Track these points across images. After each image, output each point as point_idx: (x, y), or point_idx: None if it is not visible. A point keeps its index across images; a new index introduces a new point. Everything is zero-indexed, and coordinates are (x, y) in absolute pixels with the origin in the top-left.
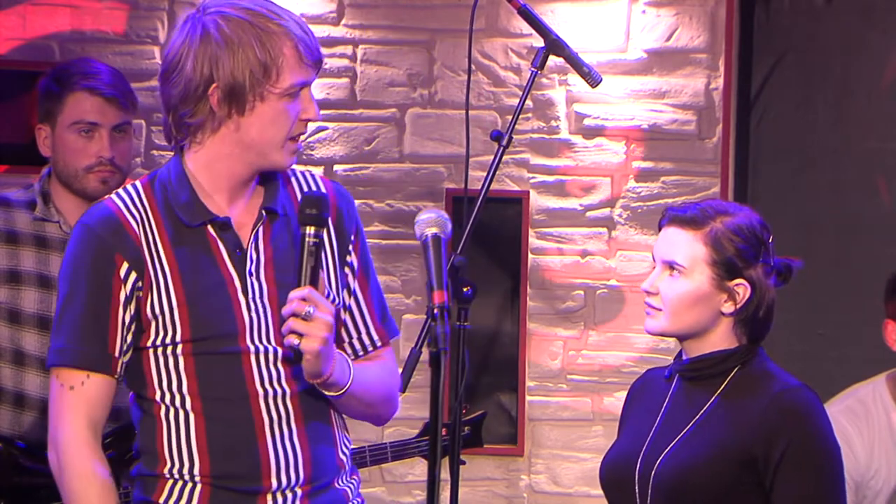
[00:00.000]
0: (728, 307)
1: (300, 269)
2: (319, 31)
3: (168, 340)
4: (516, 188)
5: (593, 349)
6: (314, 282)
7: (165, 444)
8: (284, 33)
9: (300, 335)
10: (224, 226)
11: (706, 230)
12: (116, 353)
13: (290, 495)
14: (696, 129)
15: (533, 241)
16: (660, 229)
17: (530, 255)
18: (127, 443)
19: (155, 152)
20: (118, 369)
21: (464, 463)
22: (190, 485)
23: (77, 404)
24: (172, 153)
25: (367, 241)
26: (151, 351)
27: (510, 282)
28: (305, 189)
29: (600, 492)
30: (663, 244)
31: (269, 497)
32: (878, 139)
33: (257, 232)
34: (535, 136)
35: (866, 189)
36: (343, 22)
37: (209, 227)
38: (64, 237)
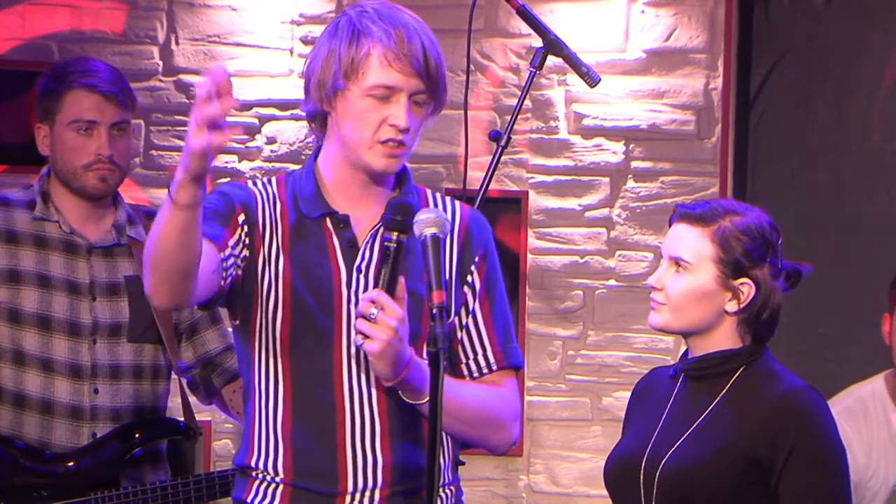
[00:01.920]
0: (732, 306)
1: (378, 272)
2: (319, 31)
3: (269, 322)
4: (515, 188)
5: (592, 349)
6: (391, 285)
7: (257, 435)
8: (377, 33)
9: (366, 336)
10: (343, 222)
11: (714, 228)
12: (231, 243)
13: (367, 499)
14: (695, 129)
15: (532, 241)
16: (670, 226)
17: (529, 256)
18: (128, 443)
19: (154, 152)
20: (226, 250)
21: (463, 464)
22: (273, 485)
23: None
24: (172, 153)
25: None
26: (256, 333)
27: (509, 282)
28: (438, 207)
29: (599, 492)
30: (671, 240)
31: (348, 498)
32: (879, 139)
33: (375, 233)
34: (533, 136)
35: (866, 189)
36: None
37: (328, 220)
38: (63, 237)
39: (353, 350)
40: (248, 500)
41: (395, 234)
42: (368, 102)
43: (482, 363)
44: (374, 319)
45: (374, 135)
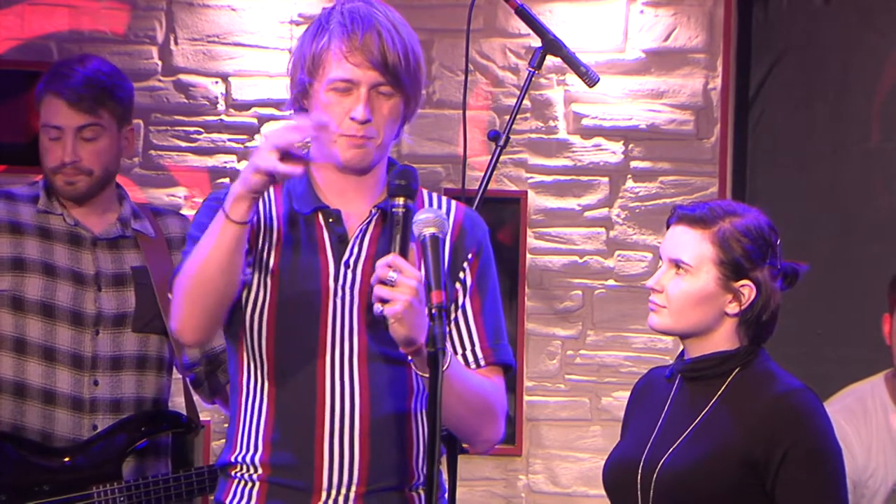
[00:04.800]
0: (733, 308)
1: (390, 238)
2: None
3: (256, 318)
4: (514, 188)
5: (591, 349)
6: (403, 250)
7: (240, 431)
8: (334, 29)
9: (385, 301)
10: (334, 217)
11: (714, 230)
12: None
13: (342, 496)
14: (694, 129)
15: (531, 241)
16: (668, 227)
17: (528, 256)
18: (131, 435)
19: (153, 152)
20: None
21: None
22: (250, 484)
23: None
24: (171, 153)
25: None
26: (245, 330)
27: (508, 282)
28: (434, 206)
29: (599, 492)
30: (670, 242)
31: (324, 494)
32: (877, 139)
33: (365, 227)
34: (533, 136)
35: (866, 189)
36: None
37: (319, 215)
38: (68, 229)
39: (336, 346)
40: (227, 501)
41: (402, 199)
42: (330, 97)
43: (470, 358)
44: (394, 283)
45: (335, 128)
